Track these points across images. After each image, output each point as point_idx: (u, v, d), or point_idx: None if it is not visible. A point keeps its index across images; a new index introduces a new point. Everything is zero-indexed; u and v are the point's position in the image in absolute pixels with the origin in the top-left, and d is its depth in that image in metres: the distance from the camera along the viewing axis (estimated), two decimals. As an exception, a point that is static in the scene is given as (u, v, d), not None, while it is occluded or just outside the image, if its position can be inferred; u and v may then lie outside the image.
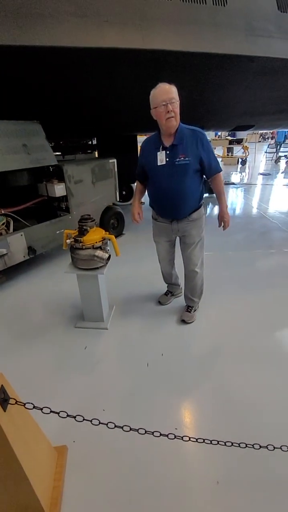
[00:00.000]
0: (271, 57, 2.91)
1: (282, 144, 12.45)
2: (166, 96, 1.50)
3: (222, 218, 1.88)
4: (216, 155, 1.80)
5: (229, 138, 11.62)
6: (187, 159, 1.61)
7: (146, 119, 2.14)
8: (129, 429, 0.97)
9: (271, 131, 15.13)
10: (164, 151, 1.64)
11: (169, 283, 2.35)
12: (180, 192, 1.69)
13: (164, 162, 1.65)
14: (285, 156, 11.52)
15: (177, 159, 1.62)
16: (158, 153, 1.66)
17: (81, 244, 1.80)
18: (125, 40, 2.40)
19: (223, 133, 12.62)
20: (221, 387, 1.57)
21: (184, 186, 1.68)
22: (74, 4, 2.23)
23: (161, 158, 1.65)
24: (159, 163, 1.66)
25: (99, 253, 1.81)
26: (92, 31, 2.31)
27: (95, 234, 1.87)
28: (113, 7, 2.35)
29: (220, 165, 1.77)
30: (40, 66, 2.38)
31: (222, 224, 1.90)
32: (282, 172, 9.30)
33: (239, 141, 11.06)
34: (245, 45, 2.82)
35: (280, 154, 11.76)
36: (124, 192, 5.46)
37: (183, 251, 1.97)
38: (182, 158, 1.61)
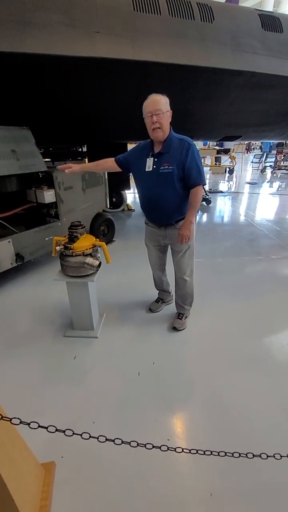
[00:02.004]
0: (255, 72, 3.04)
1: (268, 155, 12.93)
2: (152, 107, 1.55)
3: (180, 230, 1.77)
4: (203, 166, 1.75)
5: (217, 148, 11.94)
6: (170, 167, 1.63)
7: (135, 128, 2.15)
8: (120, 442, 0.94)
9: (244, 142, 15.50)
10: (152, 158, 1.69)
11: (160, 289, 2.34)
12: (164, 199, 1.71)
13: (151, 169, 1.68)
14: (270, 166, 11.94)
15: (162, 167, 1.65)
16: (147, 159, 1.70)
17: (71, 251, 1.78)
18: (116, 51, 2.45)
19: (211, 143, 12.98)
20: (213, 395, 1.56)
21: (168, 194, 1.70)
22: (65, 14, 2.27)
23: (149, 164, 1.69)
24: (146, 169, 1.70)
25: (89, 260, 1.78)
26: (83, 41, 2.35)
27: (85, 241, 1.84)
28: (105, 19, 2.40)
29: (203, 179, 1.70)
30: (31, 73, 2.38)
31: (179, 236, 1.79)
32: (267, 181, 9.61)
33: (226, 151, 11.38)
34: (231, 60, 2.93)
35: (265, 164, 12.17)
36: (114, 199, 5.47)
37: (173, 258, 1.98)
38: (166, 166, 1.64)
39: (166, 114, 1.59)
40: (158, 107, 1.55)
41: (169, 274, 2.25)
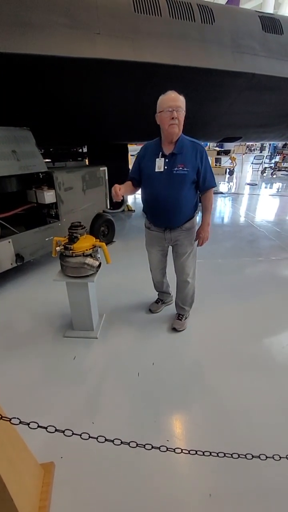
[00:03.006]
0: (256, 74, 3.05)
1: (274, 156, 12.97)
2: (173, 103, 1.51)
3: (199, 233, 1.85)
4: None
5: (217, 149, 11.98)
6: (185, 169, 1.60)
7: (135, 128, 2.13)
8: (120, 443, 0.94)
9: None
10: (163, 158, 1.63)
11: (160, 291, 2.33)
12: (175, 201, 1.67)
13: (162, 170, 1.63)
14: (270, 167, 11.95)
15: (176, 168, 1.61)
16: (157, 159, 1.64)
17: (71, 251, 1.78)
18: (117, 52, 2.46)
19: (211, 144, 13.01)
20: (213, 396, 1.56)
21: (179, 196, 1.66)
22: (67, 16, 2.28)
23: (160, 165, 1.63)
24: (156, 170, 1.64)
25: (89, 260, 1.78)
26: (84, 42, 2.36)
27: (85, 242, 1.85)
28: (105, 20, 2.41)
29: (215, 181, 1.75)
30: (32, 73, 2.39)
31: (198, 239, 1.86)
32: (268, 183, 9.62)
33: (226, 152, 11.41)
34: (231, 61, 2.94)
35: (265, 165, 12.20)
36: (114, 200, 5.46)
37: (176, 260, 1.96)
38: (180, 168, 1.60)
39: (183, 113, 1.56)
40: (179, 104, 1.51)
41: (169, 276, 2.25)
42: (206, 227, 1.83)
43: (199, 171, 1.65)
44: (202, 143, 1.67)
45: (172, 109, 1.50)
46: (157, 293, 2.36)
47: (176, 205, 1.69)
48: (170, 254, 2.04)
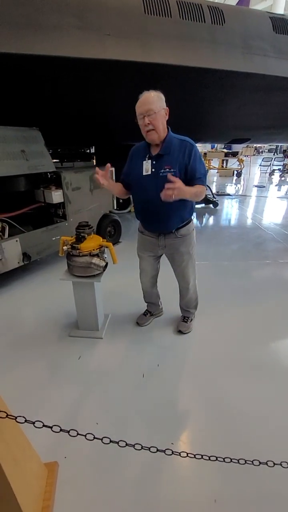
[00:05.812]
0: (266, 75, 3.02)
1: (275, 158, 12.83)
2: (143, 108, 1.42)
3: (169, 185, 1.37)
4: (205, 167, 1.58)
5: (225, 150, 11.91)
6: (172, 170, 1.49)
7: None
8: (124, 445, 0.93)
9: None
10: (150, 161, 1.55)
11: (148, 301, 2.20)
12: (165, 204, 1.51)
13: (149, 172, 1.55)
14: (278, 169, 11.82)
15: (162, 170, 1.50)
16: (144, 162, 1.56)
17: (78, 251, 1.78)
18: (126, 53, 2.46)
19: (219, 146, 12.94)
20: (219, 399, 1.54)
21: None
22: (77, 17, 2.29)
23: (147, 167, 1.55)
24: (144, 173, 1.56)
25: (96, 260, 1.79)
26: (94, 43, 2.37)
27: (92, 242, 1.85)
28: (116, 21, 2.42)
29: (205, 180, 1.56)
30: (42, 74, 2.42)
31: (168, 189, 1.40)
32: (276, 185, 9.52)
33: (234, 154, 11.34)
34: (241, 62, 2.92)
35: (273, 167, 12.08)
36: (121, 200, 5.48)
37: (174, 269, 1.89)
38: (167, 170, 1.49)
39: (160, 113, 1.43)
40: (149, 107, 1.40)
41: (159, 287, 2.15)
42: (184, 188, 1.40)
43: (186, 169, 1.51)
44: (192, 141, 1.52)
45: (143, 115, 1.42)
46: (146, 304, 2.23)
47: (167, 208, 1.56)
48: (163, 263, 1.97)
